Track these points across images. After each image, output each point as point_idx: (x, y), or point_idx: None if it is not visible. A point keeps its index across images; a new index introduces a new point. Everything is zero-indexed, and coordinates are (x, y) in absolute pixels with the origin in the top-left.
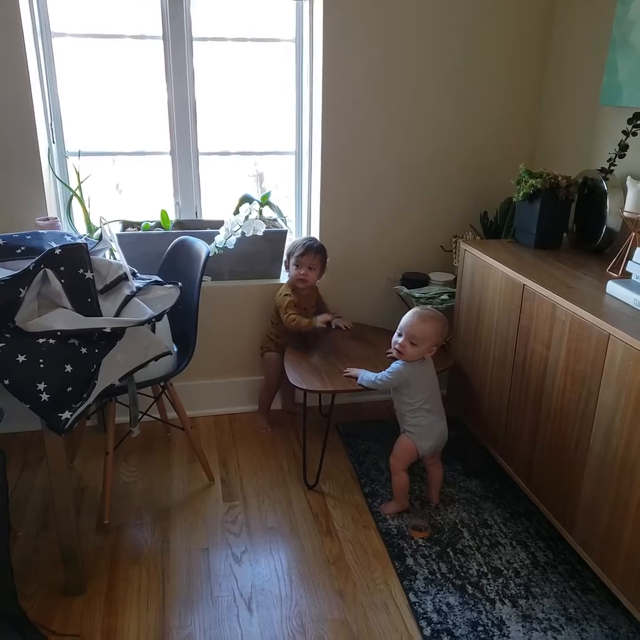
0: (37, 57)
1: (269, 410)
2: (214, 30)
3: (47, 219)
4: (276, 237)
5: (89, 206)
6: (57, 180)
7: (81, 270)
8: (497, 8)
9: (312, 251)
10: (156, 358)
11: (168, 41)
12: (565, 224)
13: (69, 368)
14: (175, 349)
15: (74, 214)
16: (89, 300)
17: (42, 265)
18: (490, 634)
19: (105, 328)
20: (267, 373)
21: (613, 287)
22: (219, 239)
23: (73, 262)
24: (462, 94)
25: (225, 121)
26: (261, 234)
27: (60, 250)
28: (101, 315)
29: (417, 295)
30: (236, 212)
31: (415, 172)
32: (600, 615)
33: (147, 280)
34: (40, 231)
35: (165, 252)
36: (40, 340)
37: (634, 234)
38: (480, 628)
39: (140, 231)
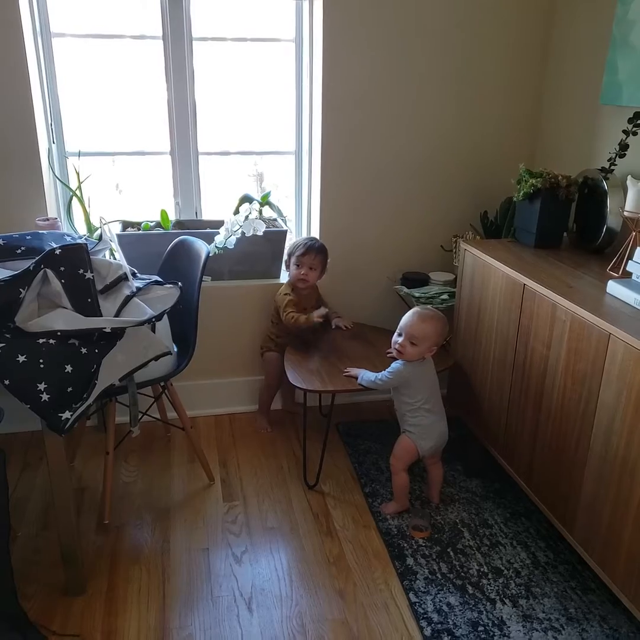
0: (37, 57)
1: (269, 410)
2: (213, 30)
3: (47, 219)
4: (276, 237)
5: (89, 206)
6: (57, 180)
7: (81, 271)
8: (497, 7)
9: (313, 251)
10: (156, 358)
11: (168, 41)
12: (565, 224)
13: (69, 368)
14: (175, 349)
15: (74, 214)
16: (89, 300)
17: (42, 266)
18: (491, 634)
19: (105, 328)
20: (267, 373)
21: (613, 287)
22: (219, 239)
23: (73, 262)
24: (462, 94)
25: (225, 121)
26: (261, 233)
27: (60, 250)
28: (101, 316)
29: (417, 294)
30: (236, 212)
31: (415, 172)
32: (600, 615)
33: (147, 280)
34: (40, 231)
35: (165, 252)
36: (41, 341)
37: (634, 233)
38: (480, 628)
39: (140, 231)
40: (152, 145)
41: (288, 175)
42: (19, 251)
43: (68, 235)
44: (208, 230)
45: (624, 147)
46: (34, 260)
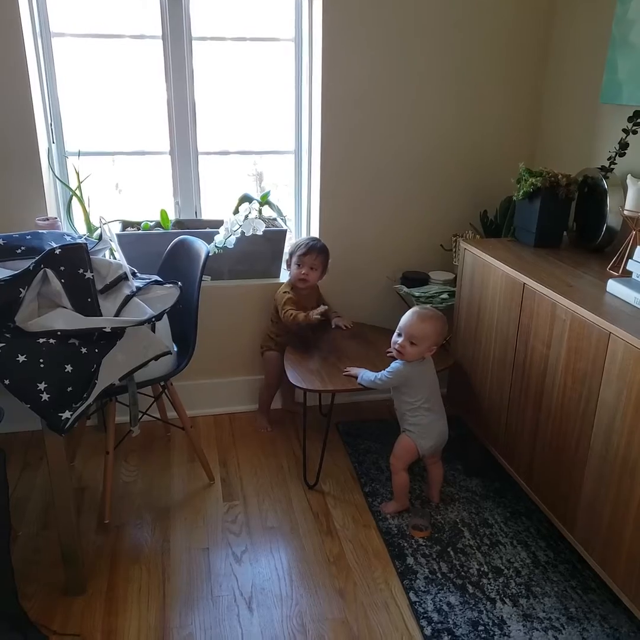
0: (36, 57)
1: (269, 410)
2: (213, 30)
3: (47, 219)
4: (276, 236)
5: (88, 206)
6: (57, 180)
7: (81, 270)
8: (496, 6)
9: (315, 251)
10: (156, 358)
11: (167, 41)
12: (565, 223)
13: (69, 368)
14: (175, 349)
15: (73, 213)
16: (89, 300)
17: (42, 265)
18: (491, 633)
19: (105, 328)
20: (267, 372)
21: (613, 286)
22: (218, 239)
23: (73, 262)
24: (461, 93)
25: (224, 121)
26: (261, 233)
27: (60, 250)
28: (101, 315)
29: (417, 294)
30: (236, 211)
31: (415, 171)
32: (601, 615)
33: (147, 280)
34: (40, 231)
35: (165, 251)
36: (41, 340)
37: (634, 232)
38: (480, 627)
39: (140, 231)
40: (151, 145)
41: (288, 174)
42: (19, 251)
43: (68, 235)
44: (208, 229)
45: (623, 145)
46: (34, 260)
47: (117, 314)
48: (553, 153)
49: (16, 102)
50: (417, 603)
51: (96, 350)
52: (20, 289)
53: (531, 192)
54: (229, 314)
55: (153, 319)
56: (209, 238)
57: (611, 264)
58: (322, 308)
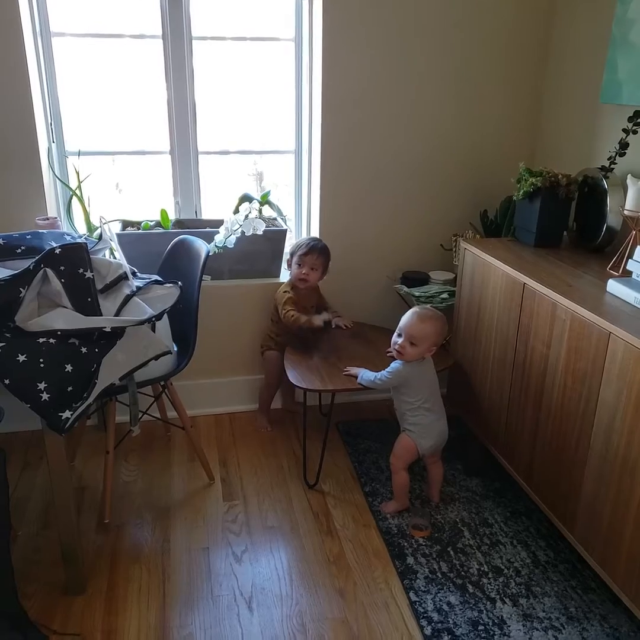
0: (36, 57)
1: (269, 409)
2: (213, 30)
3: (47, 219)
4: (276, 236)
5: (88, 206)
6: (57, 179)
7: (81, 270)
8: (496, 6)
9: (316, 251)
10: (156, 357)
11: (167, 40)
12: (565, 223)
13: (69, 367)
14: (175, 348)
15: (73, 213)
16: (89, 299)
17: (42, 265)
18: (491, 633)
19: (105, 327)
20: (267, 371)
21: (613, 286)
22: (218, 238)
23: (73, 261)
24: (461, 93)
25: (224, 120)
26: (261, 233)
27: (60, 249)
28: (101, 315)
29: (417, 294)
30: (236, 211)
31: (415, 171)
32: (601, 614)
33: (147, 280)
34: (40, 231)
35: (165, 251)
36: (41, 340)
37: (634, 232)
38: (480, 627)
39: (140, 230)
40: (151, 145)
41: (288, 174)
42: (18, 250)
43: (68, 235)
44: (208, 229)
45: (624, 145)
46: (34, 260)
47: (117, 314)
48: (553, 153)
49: (16, 101)
50: (417, 603)
51: (96, 350)
52: (20, 289)
53: (531, 192)
54: (229, 314)
55: (153, 319)
56: (209, 238)
57: (611, 263)
58: (325, 315)
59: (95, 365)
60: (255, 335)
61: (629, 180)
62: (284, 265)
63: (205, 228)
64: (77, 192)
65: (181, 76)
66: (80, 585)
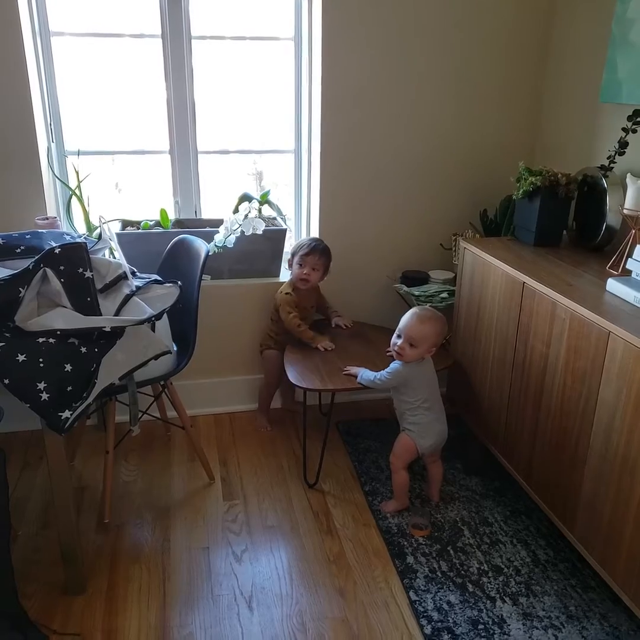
0: (36, 57)
1: (268, 409)
2: (213, 29)
3: (47, 218)
4: (275, 235)
5: (88, 205)
6: (57, 179)
7: (81, 270)
8: (496, 6)
9: (317, 252)
10: (156, 357)
11: (167, 40)
12: (565, 222)
13: (68, 367)
14: (175, 348)
15: (73, 213)
16: (89, 299)
17: (41, 265)
18: (491, 632)
19: (105, 327)
20: (266, 371)
21: (613, 285)
22: (218, 238)
23: (72, 261)
24: (461, 93)
25: (224, 120)
26: (260, 232)
27: (59, 249)
28: (101, 315)
29: (416, 293)
30: (236, 210)
31: (415, 170)
32: (601, 613)
33: (147, 279)
34: (39, 230)
35: (165, 251)
36: (40, 340)
37: (633, 231)
38: (480, 626)
39: (139, 230)
40: (151, 144)
41: (287, 174)
42: (18, 250)
43: (67, 234)
44: (207, 229)
45: (623, 144)
46: (33, 259)
47: (116, 313)
48: (553, 152)
49: (16, 101)
50: (417, 602)
51: (96, 350)
52: (20, 289)
53: (531, 191)
54: (229, 313)
55: (153, 318)
56: (208, 237)
57: (611, 262)
58: (330, 345)
59: (94, 365)
60: (255, 334)
61: (629, 179)
62: (285, 265)
63: (204, 228)
64: (77, 191)
65: (181, 76)
66: (80, 585)
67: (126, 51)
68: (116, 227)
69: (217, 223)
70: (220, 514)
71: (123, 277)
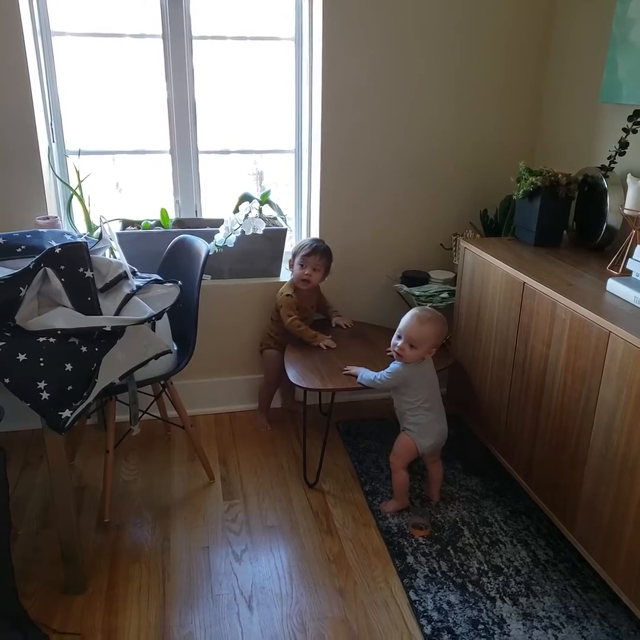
0: (37, 56)
1: (268, 409)
2: (213, 29)
3: (47, 218)
4: (276, 235)
5: (89, 205)
6: (57, 179)
7: (81, 269)
8: (496, 7)
9: (319, 252)
10: (156, 356)
11: (168, 40)
12: (565, 222)
13: (69, 367)
14: (175, 348)
15: (74, 212)
16: (89, 299)
17: (42, 264)
18: (491, 632)
19: (105, 327)
20: (266, 370)
21: (613, 285)
22: (218, 238)
23: (73, 260)
24: (461, 94)
25: (225, 120)
26: (261, 232)
27: (60, 249)
28: (101, 314)
29: (417, 293)
30: (236, 210)
31: (415, 170)
32: (601, 613)
33: (147, 279)
34: (40, 230)
35: (165, 250)
36: (41, 339)
37: (634, 231)
38: (480, 626)
39: (140, 230)
40: (152, 144)
41: (288, 173)
42: (19, 250)
43: (68, 234)
44: (208, 228)
45: (623, 145)
46: (34, 259)
47: (117, 313)
48: (553, 152)
49: (16, 101)
50: (417, 602)
51: (96, 349)
52: (21, 288)
53: (531, 191)
54: (229, 313)
55: (153, 318)
56: (209, 237)
57: (611, 263)
58: (332, 343)
59: (95, 364)
60: (255, 334)
61: (629, 180)
62: (285, 265)
63: (205, 227)
64: (78, 191)
65: (181, 75)
66: (80, 585)
67: (127, 51)
68: (117, 227)
69: (218, 223)
70: (220, 514)
71: (123, 276)
